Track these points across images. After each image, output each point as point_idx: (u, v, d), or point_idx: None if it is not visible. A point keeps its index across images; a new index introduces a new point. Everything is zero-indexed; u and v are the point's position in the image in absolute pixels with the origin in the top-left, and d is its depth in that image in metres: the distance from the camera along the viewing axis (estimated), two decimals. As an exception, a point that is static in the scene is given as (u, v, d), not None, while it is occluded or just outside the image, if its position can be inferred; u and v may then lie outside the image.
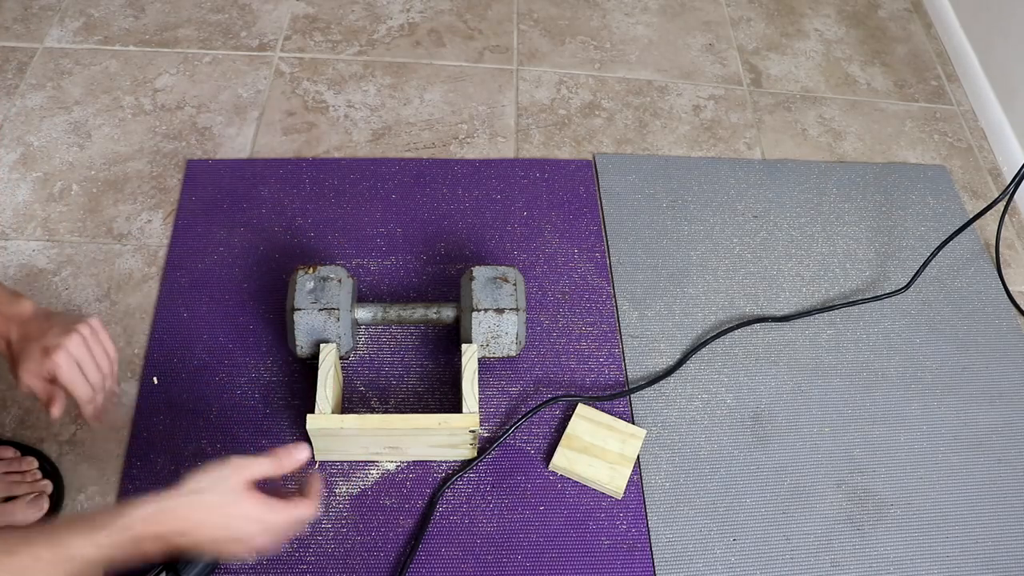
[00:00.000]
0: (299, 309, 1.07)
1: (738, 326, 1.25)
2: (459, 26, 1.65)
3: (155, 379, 1.13)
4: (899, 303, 1.30)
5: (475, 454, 1.09)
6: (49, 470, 1.05)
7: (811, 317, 1.28)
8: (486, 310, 1.09)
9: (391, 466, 1.08)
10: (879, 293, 1.31)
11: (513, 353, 1.13)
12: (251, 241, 1.29)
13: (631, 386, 1.18)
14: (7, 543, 0.68)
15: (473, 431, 1.03)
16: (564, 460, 1.09)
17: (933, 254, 1.29)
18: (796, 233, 1.39)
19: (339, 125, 1.46)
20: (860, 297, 1.30)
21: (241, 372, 1.15)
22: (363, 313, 1.13)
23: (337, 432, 1.01)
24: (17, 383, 0.84)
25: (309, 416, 1.01)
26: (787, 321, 1.26)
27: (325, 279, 1.09)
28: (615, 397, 1.16)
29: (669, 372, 1.19)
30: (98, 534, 0.70)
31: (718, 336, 1.23)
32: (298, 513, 0.80)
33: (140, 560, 0.72)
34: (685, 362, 1.21)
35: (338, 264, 1.23)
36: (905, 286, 1.30)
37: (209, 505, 0.75)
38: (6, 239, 1.27)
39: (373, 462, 1.09)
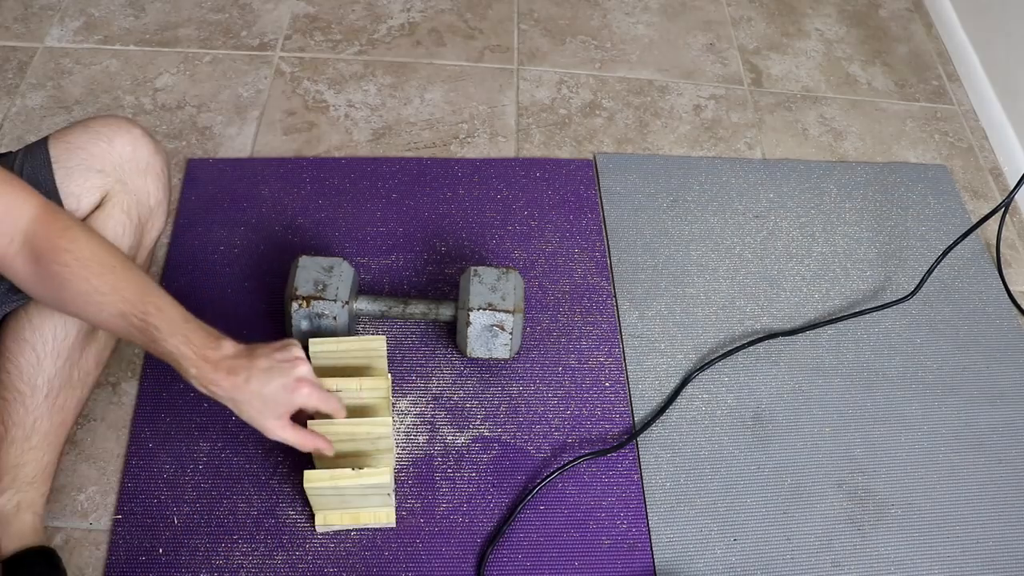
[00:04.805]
0: (298, 298, 1.07)
1: (747, 344, 1.23)
2: (459, 26, 1.65)
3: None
4: (899, 303, 1.30)
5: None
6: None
7: (812, 320, 1.28)
8: (480, 309, 1.09)
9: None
10: (882, 298, 1.31)
11: (506, 356, 1.13)
12: (252, 240, 1.28)
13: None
14: None
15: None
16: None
17: (936, 262, 1.28)
18: (797, 233, 1.39)
19: (339, 125, 1.46)
20: (864, 304, 1.30)
21: (241, 372, 1.15)
22: (363, 305, 1.13)
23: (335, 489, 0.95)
24: (265, 432, 0.88)
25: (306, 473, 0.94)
26: (794, 335, 1.25)
27: (320, 315, 1.07)
28: (622, 446, 1.12)
29: (672, 397, 1.17)
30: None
31: (725, 356, 1.22)
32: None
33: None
34: (690, 380, 1.19)
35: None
36: (910, 294, 1.30)
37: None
38: (6, 238, 1.27)
39: None
